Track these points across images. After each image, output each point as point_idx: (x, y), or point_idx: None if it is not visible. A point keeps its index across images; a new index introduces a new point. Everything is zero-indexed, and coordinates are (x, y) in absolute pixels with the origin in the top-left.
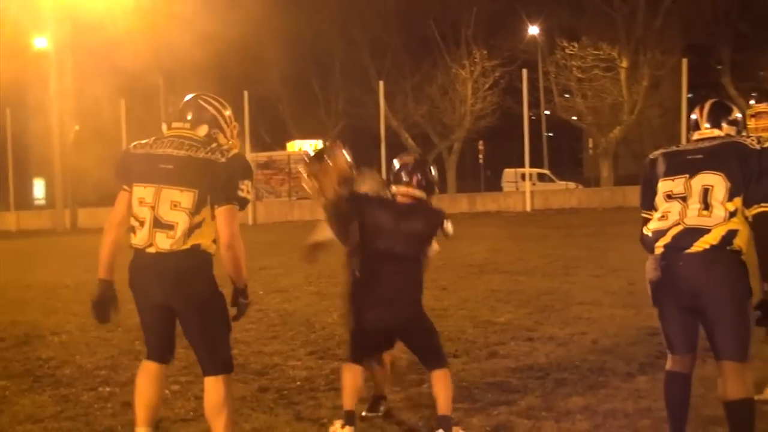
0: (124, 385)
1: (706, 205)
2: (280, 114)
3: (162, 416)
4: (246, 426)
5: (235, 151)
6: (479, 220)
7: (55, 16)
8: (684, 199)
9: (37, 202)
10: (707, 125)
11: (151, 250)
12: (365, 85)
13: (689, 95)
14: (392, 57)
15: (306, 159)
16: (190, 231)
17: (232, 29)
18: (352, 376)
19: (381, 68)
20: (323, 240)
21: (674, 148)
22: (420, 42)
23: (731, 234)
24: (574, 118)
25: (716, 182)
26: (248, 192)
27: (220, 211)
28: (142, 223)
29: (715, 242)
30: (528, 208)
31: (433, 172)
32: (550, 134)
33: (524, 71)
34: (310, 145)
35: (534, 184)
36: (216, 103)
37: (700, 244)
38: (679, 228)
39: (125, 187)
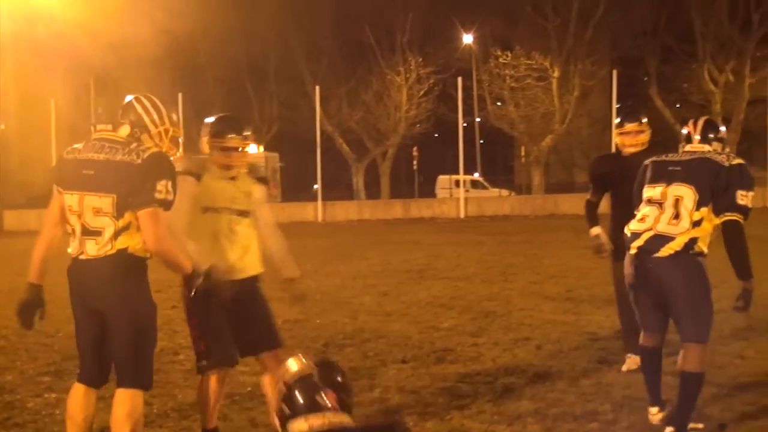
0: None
1: (677, 214)
2: None
3: None
4: None
5: (152, 150)
6: (414, 227)
7: None
8: (661, 205)
9: None
10: (699, 139)
11: (83, 257)
12: (300, 89)
13: (617, 105)
14: (327, 62)
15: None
16: (116, 235)
17: (166, 30)
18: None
19: (316, 73)
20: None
21: (663, 157)
22: (355, 47)
23: (693, 241)
24: (507, 126)
25: (686, 194)
26: (168, 192)
27: (141, 216)
28: (74, 232)
29: (678, 248)
30: (462, 215)
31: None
32: (482, 141)
33: (459, 79)
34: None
35: (467, 190)
36: (147, 103)
37: (666, 250)
38: (651, 233)
39: (58, 188)
